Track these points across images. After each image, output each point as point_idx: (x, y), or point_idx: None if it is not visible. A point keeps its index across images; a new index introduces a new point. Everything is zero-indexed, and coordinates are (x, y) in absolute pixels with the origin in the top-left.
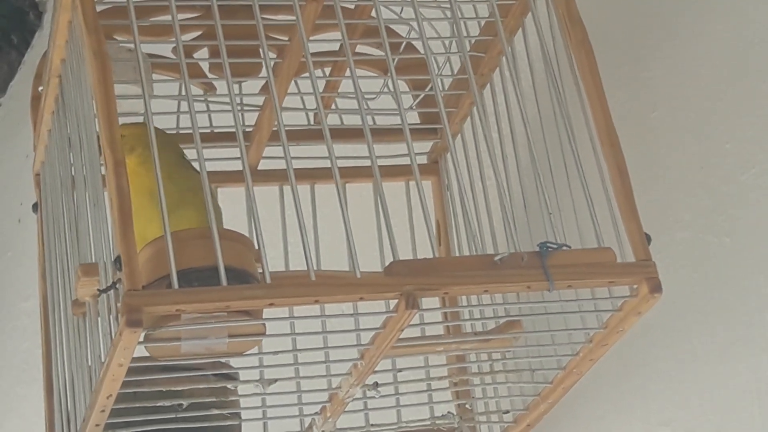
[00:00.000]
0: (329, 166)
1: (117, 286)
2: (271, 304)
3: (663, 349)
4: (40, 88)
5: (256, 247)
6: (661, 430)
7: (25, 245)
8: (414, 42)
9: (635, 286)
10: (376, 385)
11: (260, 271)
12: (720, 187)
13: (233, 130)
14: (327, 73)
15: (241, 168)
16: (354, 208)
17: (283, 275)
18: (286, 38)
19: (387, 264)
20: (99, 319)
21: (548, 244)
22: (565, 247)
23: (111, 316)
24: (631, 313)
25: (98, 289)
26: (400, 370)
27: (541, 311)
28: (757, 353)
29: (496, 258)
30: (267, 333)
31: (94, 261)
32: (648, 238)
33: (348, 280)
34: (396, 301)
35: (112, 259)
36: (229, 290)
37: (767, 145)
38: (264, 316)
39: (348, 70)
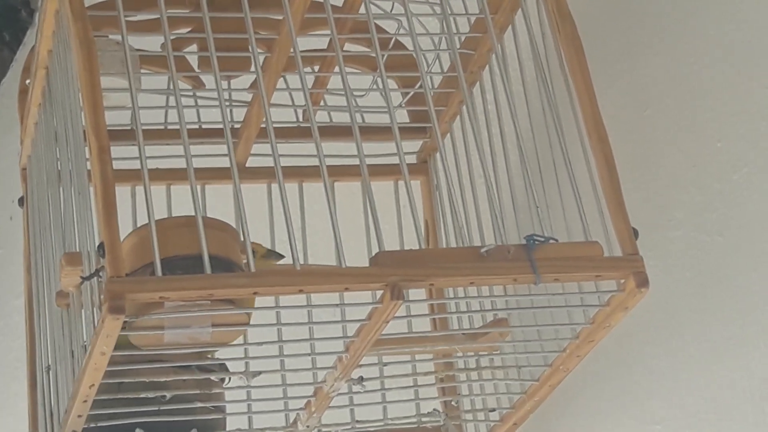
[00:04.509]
0: (318, 164)
1: (100, 273)
2: (255, 293)
3: (655, 347)
4: (28, 81)
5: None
6: (653, 429)
7: (17, 242)
8: (403, 39)
9: (622, 281)
10: (361, 379)
11: (245, 261)
12: (713, 186)
13: (221, 126)
14: (316, 70)
15: (229, 165)
16: (344, 206)
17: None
18: (275, 34)
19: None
20: (83, 309)
21: (535, 237)
22: (552, 241)
23: (94, 307)
24: (618, 308)
25: (81, 277)
26: (385, 364)
27: (528, 306)
28: (749, 351)
29: (483, 250)
30: (252, 323)
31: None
32: (635, 233)
33: (333, 270)
34: (382, 292)
35: (96, 247)
36: (212, 278)
37: (759, 143)
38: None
39: (337, 66)
